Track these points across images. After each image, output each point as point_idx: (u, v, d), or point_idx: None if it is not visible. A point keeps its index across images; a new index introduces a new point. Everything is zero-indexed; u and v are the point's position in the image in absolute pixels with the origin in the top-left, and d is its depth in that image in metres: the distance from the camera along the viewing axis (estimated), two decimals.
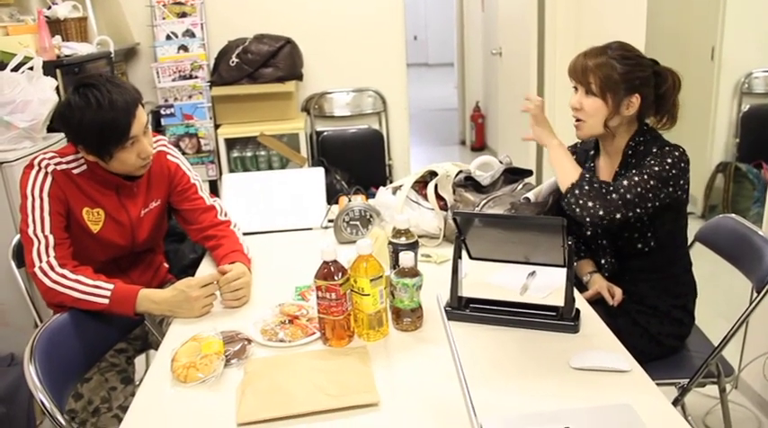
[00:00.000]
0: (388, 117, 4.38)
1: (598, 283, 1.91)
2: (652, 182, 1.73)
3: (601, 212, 1.72)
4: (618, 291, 1.88)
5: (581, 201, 1.74)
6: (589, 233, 1.95)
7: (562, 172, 1.81)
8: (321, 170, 2.37)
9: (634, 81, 1.79)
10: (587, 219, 1.75)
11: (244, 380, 1.40)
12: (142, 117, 1.79)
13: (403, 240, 1.67)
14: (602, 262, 1.96)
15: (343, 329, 1.53)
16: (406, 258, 1.55)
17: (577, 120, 1.88)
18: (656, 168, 1.75)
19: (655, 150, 1.80)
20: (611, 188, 1.74)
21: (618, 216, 1.73)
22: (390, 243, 1.70)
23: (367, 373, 1.41)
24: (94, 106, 1.71)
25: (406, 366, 1.45)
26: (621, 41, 1.85)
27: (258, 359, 1.50)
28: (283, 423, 1.28)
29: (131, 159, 1.81)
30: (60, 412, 1.48)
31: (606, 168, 1.95)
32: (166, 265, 2.25)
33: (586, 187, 1.74)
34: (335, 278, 1.47)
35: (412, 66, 4.74)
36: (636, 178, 1.74)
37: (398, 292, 1.56)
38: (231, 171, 3.90)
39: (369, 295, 1.50)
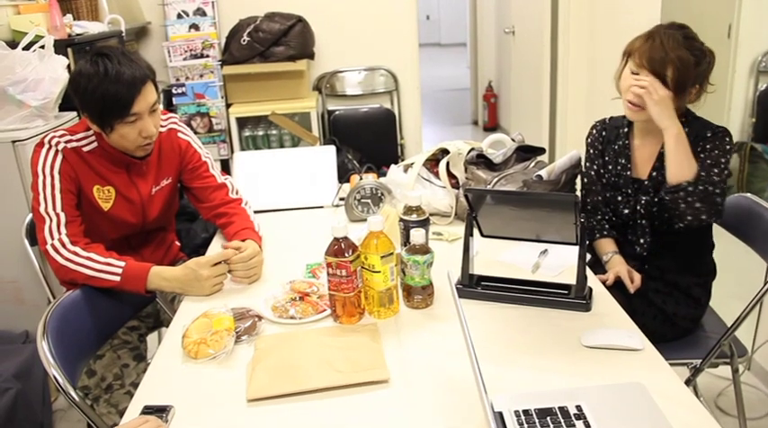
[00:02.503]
0: (400, 96, 4.35)
1: (618, 267, 1.88)
2: (724, 177, 1.74)
3: (704, 216, 1.73)
4: (637, 277, 1.86)
5: (689, 199, 1.72)
6: (627, 211, 1.92)
7: (677, 164, 1.74)
8: (332, 148, 2.36)
9: (702, 74, 1.77)
10: (688, 218, 1.75)
11: (254, 357, 1.40)
12: (149, 95, 1.77)
13: (414, 217, 1.66)
14: (641, 241, 1.91)
15: (354, 306, 1.53)
16: (417, 235, 1.54)
17: (635, 103, 1.81)
18: (723, 166, 1.74)
19: (709, 135, 1.78)
20: (717, 190, 1.72)
21: (713, 220, 1.75)
22: (401, 220, 1.69)
23: (377, 350, 1.41)
24: (101, 75, 1.70)
25: (416, 343, 1.45)
26: (685, 26, 1.80)
27: (269, 335, 1.50)
28: (293, 399, 1.28)
29: (132, 136, 1.79)
30: (73, 388, 1.49)
31: (646, 148, 1.90)
32: (178, 243, 2.25)
33: (700, 187, 1.71)
34: (346, 255, 1.47)
35: (424, 46, 4.70)
36: (723, 176, 1.73)
37: (409, 269, 1.56)
38: (243, 150, 3.89)
39: (379, 272, 1.50)
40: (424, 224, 1.66)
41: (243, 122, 3.94)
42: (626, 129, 1.96)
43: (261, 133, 3.94)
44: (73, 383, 1.51)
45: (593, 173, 2.02)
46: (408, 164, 2.23)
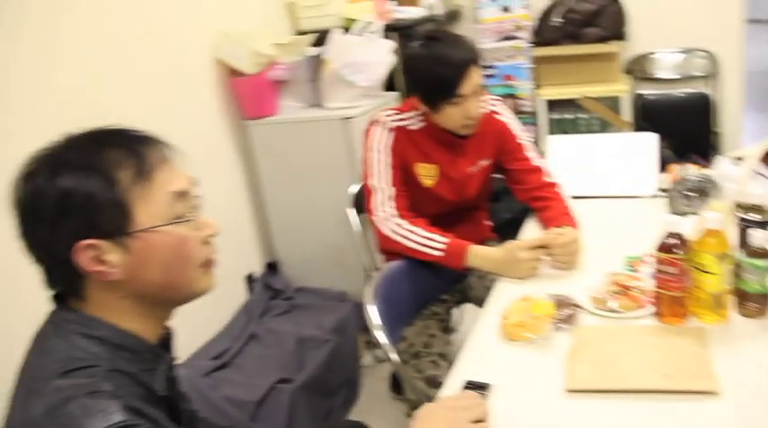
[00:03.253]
0: (719, 80, 3.97)
1: None
2: None
3: None
4: None
5: None
6: None
7: None
8: (654, 136, 2.23)
9: None
10: None
11: (573, 347, 1.38)
12: (475, 77, 1.83)
13: (754, 216, 1.51)
14: None
15: (680, 306, 1.43)
16: (757, 236, 1.39)
17: None
18: None
19: None
20: None
21: None
22: (739, 218, 1.54)
23: (705, 357, 1.31)
24: (431, 58, 1.80)
25: (750, 356, 1.31)
26: None
27: (587, 327, 1.47)
28: (611, 396, 1.24)
29: (457, 116, 1.86)
30: (395, 351, 1.61)
31: None
32: (489, 223, 2.30)
33: None
34: (678, 251, 1.38)
35: (749, 22, 4.21)
36: None
37: (745, 274, 1.42)
38: (550, 133, 3.84)
39: (712, 273, 1.38)
40: (766, 225, 1.50)
41: (551, 105, 3.89)
42: None
43: (569, 117, 3.86)
44: (394, 347, 1.63)
45: None
46: (739, 156, 2.03)
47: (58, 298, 1.01)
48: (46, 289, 1.01)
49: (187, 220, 0.99)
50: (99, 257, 0.93)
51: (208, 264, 1.04)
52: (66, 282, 0.97)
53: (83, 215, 0.91)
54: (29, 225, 0.95)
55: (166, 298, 1.02)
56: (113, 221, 0.93)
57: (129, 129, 1.01)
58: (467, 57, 1.81)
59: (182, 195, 0.99)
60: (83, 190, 0.91)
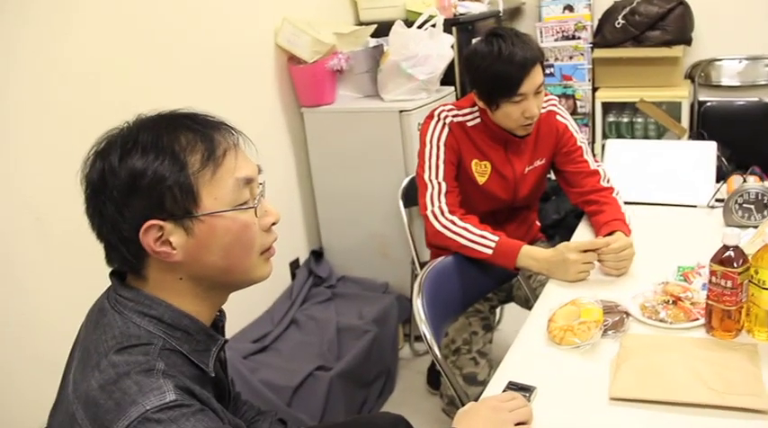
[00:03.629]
0: None
1: None
2: None
3: None
4: None
5: None
6: None
7: None
8: (713, 145, 2.18)
9: None
10: None
11: (620, 354, 1.37)
12: (537, 77, 1.81)
13: None
14: None
15: (733, 321, 1.40)
16: None
17: None
18: None
19: None
20: None
21: None
22: None
23: (755, 374, 1.28)
24: (494, 55, 1.79)
25: None
26: None
27: (635, 335, 1.45)
28: (657, 406, 1.22)
29: (515, 115, 1.84)
30: (437, 346, 1.61)
31: None
32: (538, 223, 2.28)
33: None
34: (735, 265, 1.35)
35: None
36: None
37: None
38: (605, 136, 3.80)
39: None
40: None
41: (607, 107, 3.84)
42: None
43: (625, 120, 3.80)
44: (437, 341, 1.63)
45: None
46: None
47: (116, 275, 1.03)
48: (106, 265, 1.03)
49: (251, 207, 1.00)
50: (163, 238, 0.95)
51: (267, 252, 1.06)
52: (128, 260, 0.99)
53: (151, 196, 0.93)
54: (97, 202, 0.96)
55: (224, 283, 1.03)
56: (180, 204, 0.94)
57: (201, 113, 1.02)
58: (530, 56, 1.80)
59: (248, 182, 1.00)
60: (153, 171, 0.93)
